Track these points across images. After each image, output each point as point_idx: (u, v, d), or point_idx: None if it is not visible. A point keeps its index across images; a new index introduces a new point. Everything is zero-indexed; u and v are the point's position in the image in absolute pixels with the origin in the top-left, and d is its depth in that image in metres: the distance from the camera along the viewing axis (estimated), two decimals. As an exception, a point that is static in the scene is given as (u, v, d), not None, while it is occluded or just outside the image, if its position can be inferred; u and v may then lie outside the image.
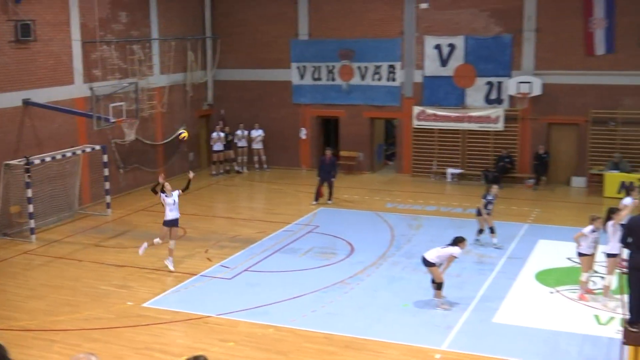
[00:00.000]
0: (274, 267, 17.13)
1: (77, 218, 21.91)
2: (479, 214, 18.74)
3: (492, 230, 18.58)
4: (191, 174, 17.91)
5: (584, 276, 14.94)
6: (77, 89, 22.75)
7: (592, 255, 14.89)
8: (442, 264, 14.43)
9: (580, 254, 14.90)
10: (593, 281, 15.28)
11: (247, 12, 29.25)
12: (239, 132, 28.92)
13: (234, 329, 13.51)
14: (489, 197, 18.61)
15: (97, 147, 22.27)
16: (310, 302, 14.81)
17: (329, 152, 23.84)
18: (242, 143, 28.98)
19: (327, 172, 23.21)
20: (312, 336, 13.16)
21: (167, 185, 17.07)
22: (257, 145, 29.05)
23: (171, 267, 16.80)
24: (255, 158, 29.22)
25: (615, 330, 13.03)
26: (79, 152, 21.90)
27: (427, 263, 14.42)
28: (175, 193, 17.08)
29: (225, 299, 15.10)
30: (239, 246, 18.79)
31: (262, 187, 26.76)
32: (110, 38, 24.08)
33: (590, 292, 15.00)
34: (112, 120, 21.55)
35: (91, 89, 21.83)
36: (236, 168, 28.82)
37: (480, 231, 18.72)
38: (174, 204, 16.99)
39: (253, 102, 29.64)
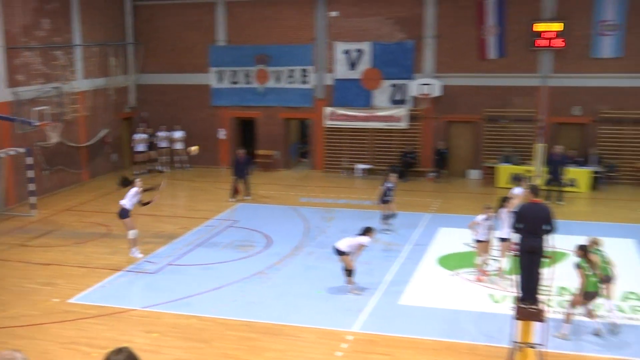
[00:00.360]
0: (196, 261, 16.95)
1: (2, 219, 21.13)
2: (382, 202, 19.11)
3: (389, 217, 18.99)
4: (162, 185, 17.91)
5: (479, 260, 15.40)
6: (0, 94, 21.92)
7: (487, 241, 15.35)
8: (353, 252, 14.58)
9: (477, 241, 15.36)
10: (488, 264, 15.73)
11: (167, 19, 28.80)
12: (160, 134, 28.48)
13: (158, 321, 13.30)
14: (389, 185, 19.03)
15: (21, 150, 21.52)
16: (231, 293, 14.73)
17: (241, 152, 23.79)
18: (164, 144, 28.57)
19: (241, 170, 23.12)
20: (234, 324, 13.09)
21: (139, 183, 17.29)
22: (178, 146, 28.67)
23: (139, 255, 16.93)
24: (177, 158, 28.84)
25: (508, 307, 13.43)
26: (2, 155, 21.11)
27: (339, 252, 14.55)
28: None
29: (150, 292, 14.86)
30: (162, 242, 18.51)
31: (184, 185, 26.41)
32: (34, 44, 23.30)
33: (485, 274, 15.45)
34: (36, 123, 20.85)
35: (14, 93, 21.05)
36: (158, 168, 28.36)
37: (386, 217, 19.05)
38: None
39: (174, 105, 29.23)
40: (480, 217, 15.21)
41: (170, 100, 29.24)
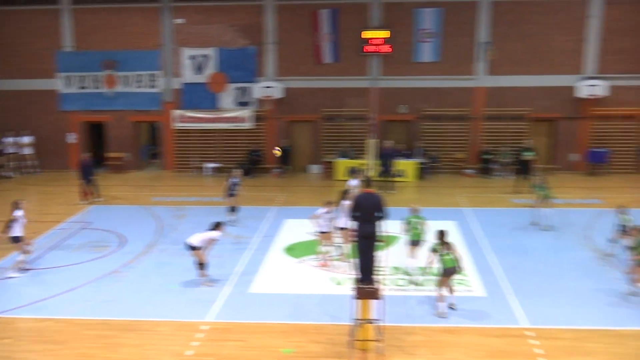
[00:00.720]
0: (50, 264, 16.07)
1: None
2: (229, 195, 19.04)
3: (234, 210, 18.98)
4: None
5: (323, 248, 15.74)
6: None
7: (329, 232, 15.70)
8: (204, 247, 14.43)
9: (320, 232, 15.66)
10: (331, 252, 16.09)
11: (11, 25, 27.02)
12: (7, 139, 26.70)
13: (10, 326, 12.49)
14: (234, 180, 19.03)
15: None
16: (87, 293, 14.10)
17: (86, 155, 22.82)
18: (12, 149, 26.81)
19: (87, 173, 22.15)
20: (90, 324, 12.55)
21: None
22: (26, 151, 27.01)
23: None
24: (28, 163, 27.17)
25: (348, 288, 13.85)
26: None
27: (191, 247, 14.35)
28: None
29: (2, 298, 13.91)
30: (13, 247, 17.35)
31: (34, 190, 24.91)
32: None
33: (328, 260, 15.81)
34: None
35: None
36: (5, 174, 26.58)
37: (231, 210, 18.98)
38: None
39: (21, 111, 27.50)
40: (321, 210, 15.55)
41: (17, 106, 27.49)
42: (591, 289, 14.09)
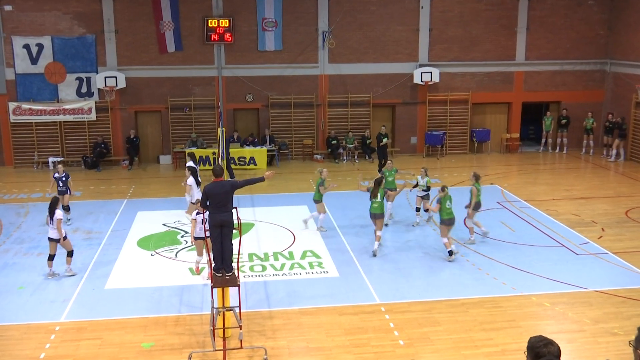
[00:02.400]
0: None
1: None
2: (59, 192, 17.63)
3: (66, 208, 17.67)
4: None
5: (203, 258, 14.07)
6: None
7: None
8: (61, 233, 13.77)
9: (196, 238, 13.93)
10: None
11: None
12: None
13: None
14: (56, 175, 17.80)
15: None
16: None
17: None
18: None
19: None
20: None
21: None
22: None
23: None
24: None
25: (206, 278, 13.75)
26: None
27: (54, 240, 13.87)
28: None
29: None
30: None
31: None
32: None
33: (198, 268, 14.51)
34: None
35: None
36: None
37: (65, 208, 17.63)
38: None
39: None
40: (195, 214, 13.96)
41: None
42: (437, 263, 14.97)
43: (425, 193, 17.57)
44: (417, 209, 17.79)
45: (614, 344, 11.09)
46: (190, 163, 18.60)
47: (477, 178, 16.40)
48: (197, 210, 13.78)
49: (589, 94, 27.65)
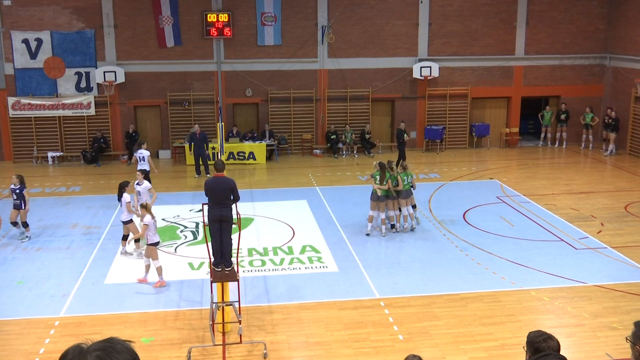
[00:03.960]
0: None
1: None
2: (14, 207, 16.22)
3: (15, 224, 16.49)
4: None
5: (156, 263, 13.52)
6: None
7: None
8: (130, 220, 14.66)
9: (149, 244, 13.50)
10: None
11: None
12: None
13: None
14: (14, 188, 16.10)
15: None
16: None
17: None
18: None
19: None
20: None
21: None
22: None
23: None
24: None
25: (205, 272, 13.76)
26: None
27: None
28: None
29: None
30: None
31: None
32: None
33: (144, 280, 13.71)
34: None
35: None
36: None
37: (23, 224, 16.35)
38: None
39: None
40: (148, 219, 13.50)
41: None
42: (436, 257, 14.97)
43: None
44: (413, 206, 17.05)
45: (613, 338, 11.10)
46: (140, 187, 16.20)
47: (404, 167, 16.65)
48: (147, 215, 13.40)
49: (589, 89, 27.62)
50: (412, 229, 16.58)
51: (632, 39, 25.81)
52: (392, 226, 16.62)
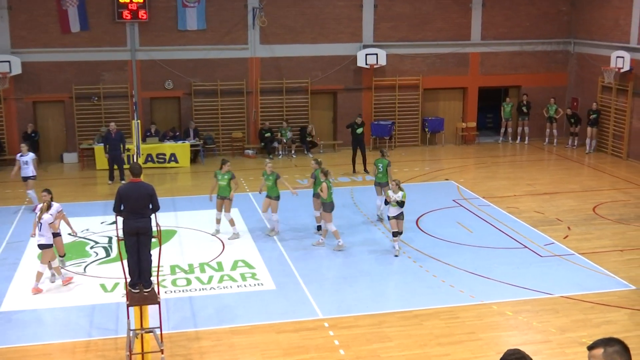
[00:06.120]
0: None
1: None
2: None
3: None
4: None
5: (55, 263, 14.34)
6: None
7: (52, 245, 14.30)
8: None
9: (41, 246, 14.05)
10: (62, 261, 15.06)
11: None
12: None
13: None
14: None
15: None
16: None
17: None
18: None
19: None
20: None
21: None
22: None
23: None
24: None
25: (121, 295, 13.52)
26: None
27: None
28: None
29: None
30: None
31: None
32: None
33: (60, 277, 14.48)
34: None
35: None
36: None
37: None
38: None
39: None
40: (47, 216, 14.11)
41: None
42: (386, 270, 15.11)
43: (399, 211, 15.72)
44: (395, 234, 15.84)
45: (583, 354, 11.31)
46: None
47: (325, 174, 16.50)
48: (39, 205, 14.02)
49: (552, 77, 28.42)
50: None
51: (597, 22, 26.70)
52: (319, 227, 17.16)
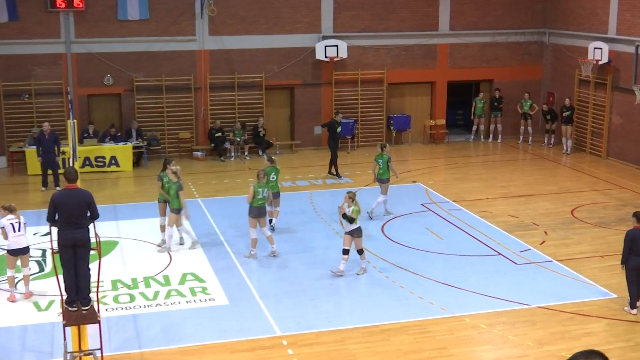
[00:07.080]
0: None
1: None
2: None
3: None
4: None
5: (25, 270, 14.42)
6: None
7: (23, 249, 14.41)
8: None
9: (9, 251, 14.23)
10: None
11: None
12: None
13: None
14: None
15: None
16: None
17: None
18: None
19: None
20: None
21: None
22: None
23: None
24: None
25: (56, 314, 13.34)
26: None
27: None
28: None
29: None
30: None
31: None
32: None
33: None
34: None
35: None
36: None
37: None
38: None
39: None
40: (4, 220, 14.23)
41: None
42: (350, 282, 15.12)
43: (354, 226, 15.05)
44: (345, 251, 15.20)
45: (562, 369, 11.56)
46: None
47: (258, 176, 16.68)
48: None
49: (526, 71, 28.80)
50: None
51: (574, 11, 27.13)
52: (270, 221, 17.90)
